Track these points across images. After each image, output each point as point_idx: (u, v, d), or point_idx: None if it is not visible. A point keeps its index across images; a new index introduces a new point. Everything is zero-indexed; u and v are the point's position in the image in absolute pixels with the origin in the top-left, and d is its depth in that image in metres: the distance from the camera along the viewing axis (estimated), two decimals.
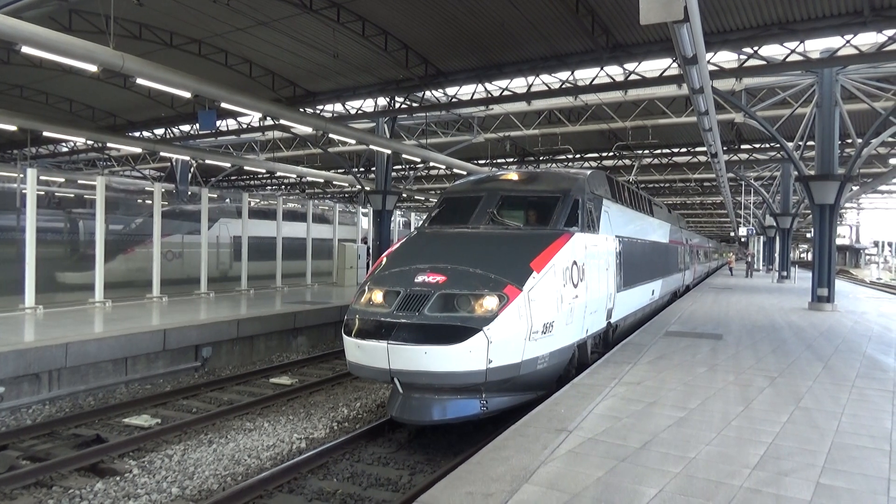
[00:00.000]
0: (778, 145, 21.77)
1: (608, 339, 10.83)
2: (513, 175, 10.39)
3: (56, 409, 9.25)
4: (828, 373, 8.50)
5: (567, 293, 8.02)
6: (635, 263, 12.78)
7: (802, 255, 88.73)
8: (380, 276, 7.81)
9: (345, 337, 7.35)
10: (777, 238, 37.37)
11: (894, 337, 12.21)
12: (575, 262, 8.39)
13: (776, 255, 37.60)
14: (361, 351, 7.07)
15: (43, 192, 26.86)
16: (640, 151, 23.15)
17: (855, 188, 24.90)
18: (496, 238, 8.41)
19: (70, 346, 9.62)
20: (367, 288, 7.68)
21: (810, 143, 19.71)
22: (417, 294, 7.07)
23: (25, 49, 10.90)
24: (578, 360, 9.07)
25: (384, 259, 8.48)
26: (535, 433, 5.61)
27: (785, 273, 32.43)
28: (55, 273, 16.43)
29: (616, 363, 8.89)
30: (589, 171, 10.70)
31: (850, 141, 19.15)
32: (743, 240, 52.72)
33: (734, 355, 9.69)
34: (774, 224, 35.73)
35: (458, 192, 10.01)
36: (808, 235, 54.71)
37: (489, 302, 6.90)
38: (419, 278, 7.30)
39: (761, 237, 49.83)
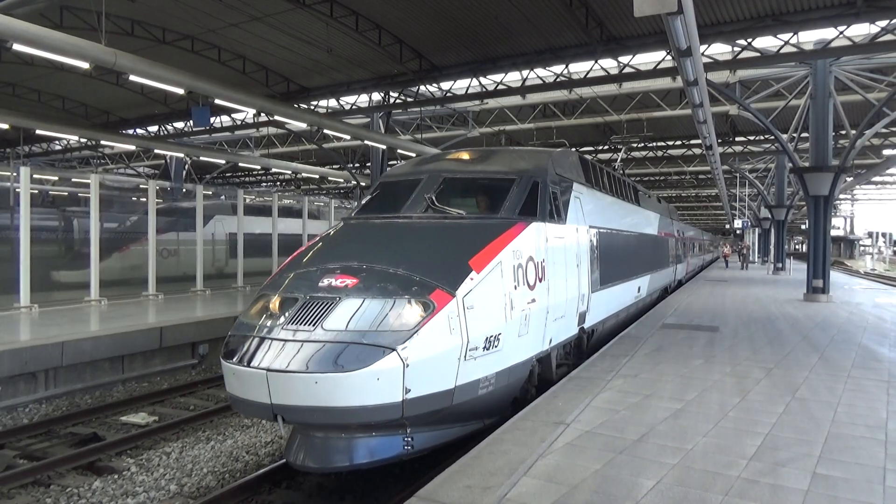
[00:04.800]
0: (772, 137, 21.78)
1: (582, 347, 9.41)
2: (463, 154, 8.79)
3: (53, 407, 9.23)
4: (823, 363, 8.53)
5: (520, 297, 6.53)
6: (616, 258, 11.30)
7: (797, 247, 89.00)
8: (279, 280, 6.26)
9: (222, 361, 5.66)
10: (772, 230, 37.51)
11: (889, 327, 12.27)
12: (531, 259, 6.95)
13: (771, 246, 37.72)
14: (237, 380, 5.40)
15: (37, 191, 26.73)
16: (633, 142, 23.05)
17: (849, 179, 25.03)
18: (431, 230, 6.85)
19: (66, 344, 9.59)
20: (261, 295, 6.15)
21: (804, 134, 19.78)
22: (317, 302, 5.50)
23: (17, 46, 10.84)
24: (541, 376, 7.60)
25: (295, 256, 6.91)
26: (533, 426, 5.62)
27: (780, 265, 32.53)
28: (50, 271, 16.37)
29: (613, 356, 8.91)
30: (556, 150, 9.23)
31: (844, 132, 19.24)
32: (738, 232, 52.82)
33: (730, 347, 9.72)
34: (769, 216, 35.88)
35: (395, 176, 8.33)
36: (803, 227, 54.92)
37: (409, 312, 5.38)
38: (324, 282, 5.75)
39: (756, 229, 49.98)
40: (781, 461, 4.81)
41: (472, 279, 5.83)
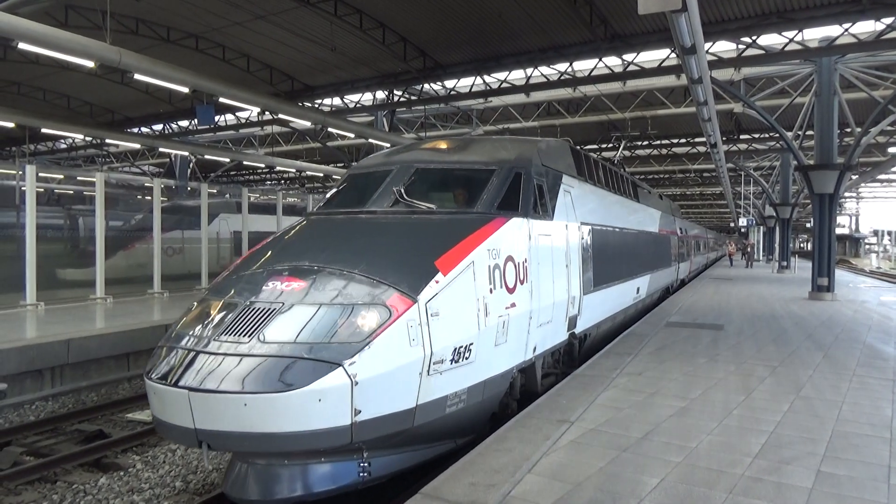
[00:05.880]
0: (777, 135, 21.74)
1: (574, 354, 8.75)
2: (441, 144, 8.04)
3: (59, 405, 9.28)
4: (828, 362, 8.51)
5: (496, 301, 5.87)
6: (612, 257, 10.63)
7: (802, 245, 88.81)
8: (225, 282, 5.65)
9: (144, 378, 4.97)
10: (777, 228, 37.40)
11: (894, 326, 12.23)
12: (511, 258, 6.26)
13: (776, 245, 37.63)
14: (158, 400, 4.71)
15: (42, 189, 26.83)
16: (633, 135, 22.97)
17: (854, 177, 24.91)
18: (396, 227, 6.14)
19: (72, 342, 9.63)
20: (201, 300, 5.52)
21: (809, 132, 19.70)
22: (258, 309, 4.85)
23: (22, 45, 10.88)
24: (525, 387, 7.00)
25: (249, 254, 6.29)
26: (538, 424, 5.63)
27: (785, 263, 32.45)
28: (56, 270, 16.44)
29: (617, 354, 8.90)
30: (544, 140, 8.59)
31: (849, 130, 19.13)
32: (743, 230, 52.71)
33: (735, 345, 9.71)
34: (774, 214, 35.76)
35: (364, 167, 7.58)
36: (808, 225, 54.79)
37: (361, 321, 4.71)
38: (269, 285, 5.13)
39: (761, 227, 49.87)
40: (786, 459, 4.80)
41: (437, 282, 5.17)
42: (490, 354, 5.80)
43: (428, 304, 5.01)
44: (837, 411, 6.14)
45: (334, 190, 7.56)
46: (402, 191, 6.47)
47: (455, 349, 5.24)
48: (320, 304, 4.82)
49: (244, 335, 4.65)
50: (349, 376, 4.41)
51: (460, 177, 7.03)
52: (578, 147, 10.47)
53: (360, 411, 4.49)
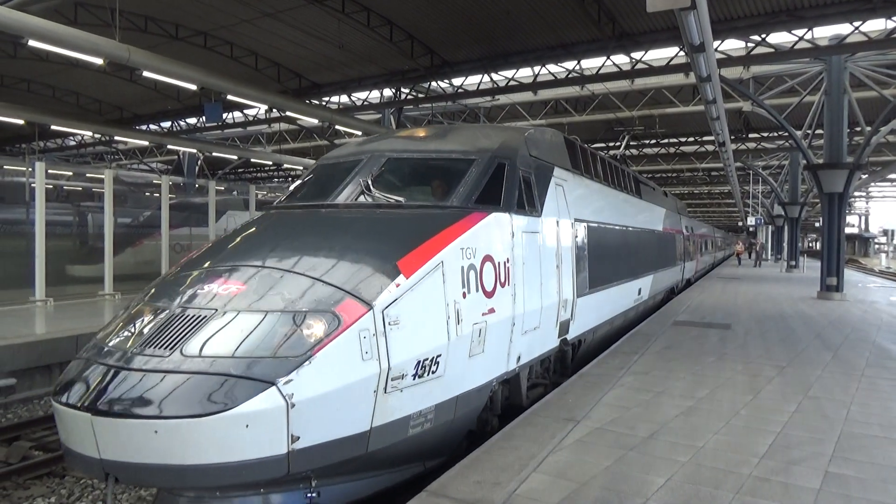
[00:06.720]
0: (786, 134, 21.62)
1: (566, 361, 8.10)
2: (419, 132, 7.39)
3: None
4: (837, 362, 8.47)
5: (471, 306, 5.22)
6: (610, 257, 10.01)
7: (811, 245, 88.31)
8: (161, 284, 5.02)
9: (51, 398, 4.28)
10: (785, 227, 37.23)
11: None
12: (490, 258, 5.61)
13: (784, 244, 37.44)
14: (62, 424, 4.07)
15: (51, 186, 27.00)
16: (638, 130, 22.85)
17: (864, 176, 24.76)
18: (358, 222, 5.48)
19: (80, 338, 9.68)
20: (131, 304, 4.91)
21: (819, 131, 19.61)
22: (189, 316, 4.24)
23: (32, 42, 10.94)
24: (508, 400, 6.43)
25: (197, 253, 5.58)
26: (544, 423, 5.62)
27: (793, 262, 32.30)
28: (65, 266, 16.55)
29: (624, 353, 8.88)
30: (534, 129, 7.87)
31: (858, 129, 19.04)
32: (751, 229, 52.47)
33: (743, 345, 9.67)
34: (783, 213, 35.60)
35: (334, 157, 6.91)
36: (817, 225, 54.46)
37: (307, 330, 4.09)
38: (206, 287, 4.52)
39: (769, 226, 49.62)
40: (794, 460, 4.78)
41: (398, 285, 4.54)
42: (463, 367, 5.16)
43: (386, 311, 4.38)
44: (846, 412, 6.10)
45: (299, 181, 6.91)
46: (370, 182, 5.87)
47: (419, 362, 4.59)
48: (257, 310, 4.20)
49: (165, 348, 4.01)
50: (284, 397, 3.77)
51: (436, 167, 6.33)
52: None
53: (298, 438, 3.85)
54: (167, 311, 4.38)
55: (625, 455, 4.85)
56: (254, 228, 5.77)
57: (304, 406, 3.84)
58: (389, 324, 4.38)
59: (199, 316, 4.21)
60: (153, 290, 4.90)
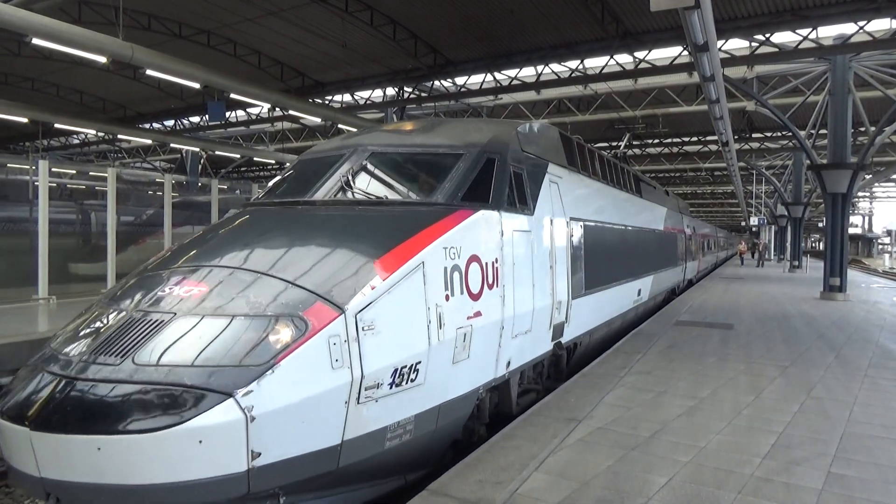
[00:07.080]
0: (790, 134, 21.58)
1: (561, 366, 7.88)
2: (406, 125, 7.07)
3: None
4: (840, 362, 8.45)
5: (455, 310, 4.94)
6: (608, 257, 9.71)
7: (814, 245, 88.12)
8: (122, 286, 4.80)
9: None
10: (788, 227, 37.17)
11: None
12: (476, 258, 5.33)
13: (788, 244, 37.39)
14: (2, 439, 3.80)
15: (55, 184, 27.07)
16: (639, 127, 22.79)
17: (868, 177, 24.67)
18: (335, 220, 5.21)
19: None
20: (89, 306, 4.74)
21: (823, 131, 19.58)
22: (143, 322, 3.97)
23: (36, 41, 10.98)
24: (496, 407, 6.17)
25: (169, 251, 5.36)
26: (545, 422, 5.62)
27: (796, 263, 32.25)
28: (68, 264, 16.57)
29: (626, 353, 8.88)
30: (527, 123, 7.51)
31: (863, 129, 18.97)
32: (754, 229, 52.41)
33: (745, 345, 9.65)
34: (786, 213, 35.56)
35: (316, 152, 6.66)
36: (820, 225, 54.38)
37: (272, 336, 3.81)
38: (167, 289, 4.27)
39: (773, 226, 49.56)
40: (796, 460, 4.77)
41: (373, 287, 4.26)
42: (446, 374, 4.87)
43: (359, 316, 4.09)
44: (848, 412, 6.09)
45: (279, 177, 6.63)
46: (351, 178, 5.62)
47: (396, 370, 4.30)
48: (219, 315, 3.94)
49: (116, 355, 3.73)
50: (242, 410, 3.47)
51: (421, 162, 6.04)
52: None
53: (259, 454, 3.57)
54: (125, 315, 4.09)
55: (626, 455, 4.84)
56: (226, 227, 5.53)
57: (266, 419, 3.55)
58: (363, 329, 4.10)
59: (160, 321, 3.93)
60: (115, 292, 4.63)
